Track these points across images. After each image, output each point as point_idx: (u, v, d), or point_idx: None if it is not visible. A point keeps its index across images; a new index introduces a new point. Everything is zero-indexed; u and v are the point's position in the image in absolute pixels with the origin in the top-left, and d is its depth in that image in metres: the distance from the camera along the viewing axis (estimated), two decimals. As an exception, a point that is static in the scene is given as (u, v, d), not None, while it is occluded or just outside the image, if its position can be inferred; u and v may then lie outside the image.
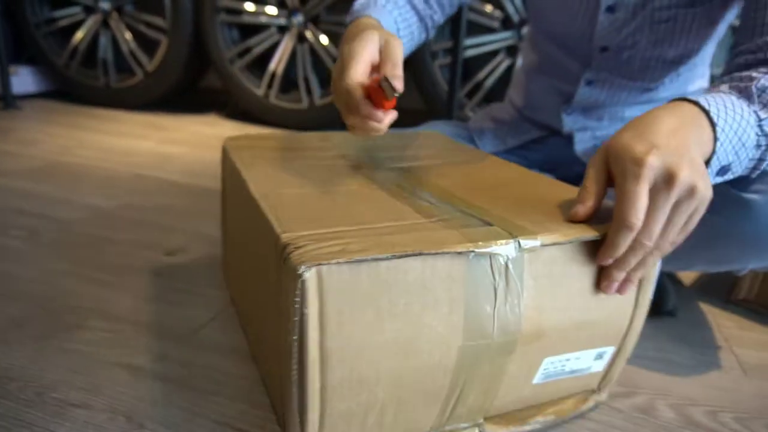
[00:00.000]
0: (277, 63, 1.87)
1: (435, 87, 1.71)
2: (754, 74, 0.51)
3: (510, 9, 1.63)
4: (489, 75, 1.70)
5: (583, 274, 0.48)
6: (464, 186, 0.56)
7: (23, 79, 2.10)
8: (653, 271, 0.51)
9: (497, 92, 1.70)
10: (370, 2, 0.72)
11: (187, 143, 1.65)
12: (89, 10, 2.00)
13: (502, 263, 0.43)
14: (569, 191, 0.56)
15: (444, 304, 0.42)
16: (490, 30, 1.69)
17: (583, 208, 0.45)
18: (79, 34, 2.02)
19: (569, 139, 0.87)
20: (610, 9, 0.72)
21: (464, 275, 0.42)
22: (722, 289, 0.86)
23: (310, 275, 0.37)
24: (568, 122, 0.86)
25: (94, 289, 0.74)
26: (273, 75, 1.88)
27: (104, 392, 0.55)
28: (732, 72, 0.58)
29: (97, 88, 2.06)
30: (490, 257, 0.42)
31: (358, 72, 0.51)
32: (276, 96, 1.90)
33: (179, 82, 2.02)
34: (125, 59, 2.01)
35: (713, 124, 0.46)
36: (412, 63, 1.72)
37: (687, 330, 0.74)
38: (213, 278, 0.80)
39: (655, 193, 0.40)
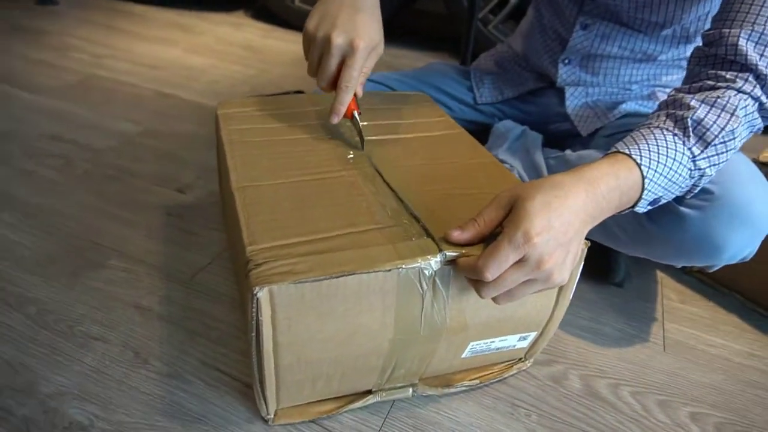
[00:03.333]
0: (302, -35, 1.81)
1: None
2: (693, 102, 0.53)
3: None
4: (517, -9, 1.62)
5: None
6: (423, 176, 0.62)
7: (58, -31, 2.12)
8: (572, 282, 0.58)
9: (523, 11, 1.63)
10: None
11: (212, 53, 1.70)
12: None
13: (430, 275, 0.51)
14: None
15: (377, 310, 0.51)
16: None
17: (459, 236, 0.49)
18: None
19: (562, 94, 0.89)
20: None
21: (395, 287, 0.50)
22: (684, 258, 0.92)
23: (262, 294, 0.46)
24: (563, 73, 0.88)
25: (115, 227, 0.87)
26: (298, -22, 1.84)
27: (119, 329, 0.69)
28: (691, 66, 0.60)
29: (128, -18, 2.07)
30: (419, 270, 0.50)
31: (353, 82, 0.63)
32: (300, 0, 1.87)
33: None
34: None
35: (643, 175, 0.50)
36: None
37: (629, 301, 0.82)
38: (214, 218, 0.91)
39: (520, 265, 0.45)
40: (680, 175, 0.52)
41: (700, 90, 0.55)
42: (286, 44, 1.84)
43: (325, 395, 0.60)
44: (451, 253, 0.50)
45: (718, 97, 0.53)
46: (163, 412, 0.59)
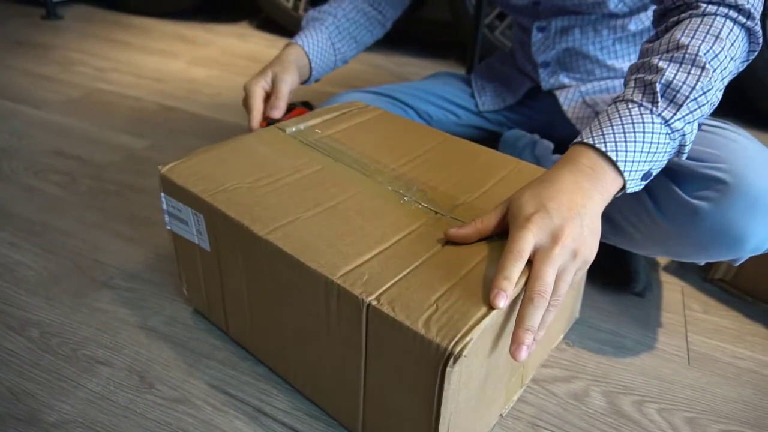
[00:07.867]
0: (304, -26, 1.80)
1: (463, 5, 1.63)
2: (660, 63, 0.53)
3: None
4: (523, -5, 1.60)
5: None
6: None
7: (62, -16, 2.12)
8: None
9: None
10: (310, 21, 0.88)
11: (216, 65, 1.68)
12: None
13: None
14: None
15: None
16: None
17: (457, 235, 0.50)
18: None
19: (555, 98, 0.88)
20: None
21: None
22: (705, 267, 0.88)
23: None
24: (544, 77, 0.88)
25: (119, 245, 0.85)
26: (301, -14, 1.83)
27: (124, 351, 0.67)
28: (656, 19, 0.63)
29: (132, -5, 2.07)
30: None
31: (256, 107, 0.77)
32: (304, 8, 1.86)
33: (210, -11, 2.00)
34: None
35: (616, 164, 0.50)
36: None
37: (650, 312, 0.79)
38: (222, 236, 0.89)
39: (543, 253, 0.45)
40: (658, 142, 0.51)
41: (669, 34, 0.55)
42: (290, 54, 1.83)
43: None
44: None
45: (686, 47, 0.52)
46: (170, 440, 0.57)
